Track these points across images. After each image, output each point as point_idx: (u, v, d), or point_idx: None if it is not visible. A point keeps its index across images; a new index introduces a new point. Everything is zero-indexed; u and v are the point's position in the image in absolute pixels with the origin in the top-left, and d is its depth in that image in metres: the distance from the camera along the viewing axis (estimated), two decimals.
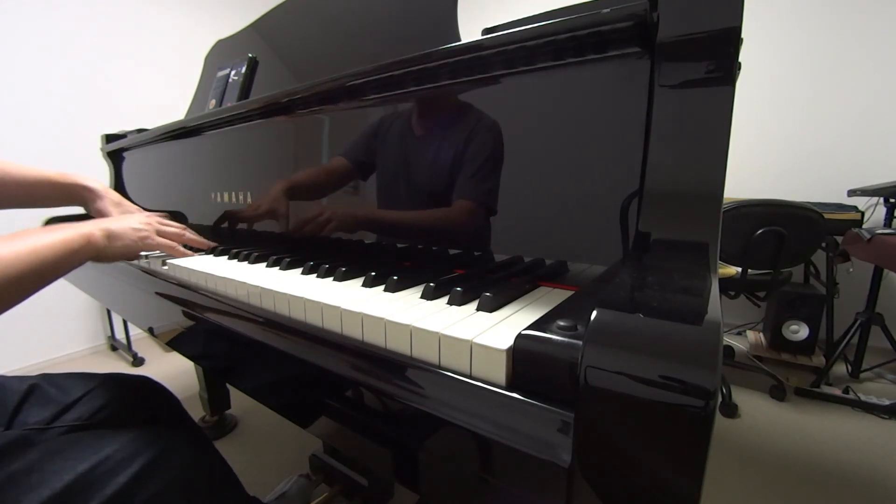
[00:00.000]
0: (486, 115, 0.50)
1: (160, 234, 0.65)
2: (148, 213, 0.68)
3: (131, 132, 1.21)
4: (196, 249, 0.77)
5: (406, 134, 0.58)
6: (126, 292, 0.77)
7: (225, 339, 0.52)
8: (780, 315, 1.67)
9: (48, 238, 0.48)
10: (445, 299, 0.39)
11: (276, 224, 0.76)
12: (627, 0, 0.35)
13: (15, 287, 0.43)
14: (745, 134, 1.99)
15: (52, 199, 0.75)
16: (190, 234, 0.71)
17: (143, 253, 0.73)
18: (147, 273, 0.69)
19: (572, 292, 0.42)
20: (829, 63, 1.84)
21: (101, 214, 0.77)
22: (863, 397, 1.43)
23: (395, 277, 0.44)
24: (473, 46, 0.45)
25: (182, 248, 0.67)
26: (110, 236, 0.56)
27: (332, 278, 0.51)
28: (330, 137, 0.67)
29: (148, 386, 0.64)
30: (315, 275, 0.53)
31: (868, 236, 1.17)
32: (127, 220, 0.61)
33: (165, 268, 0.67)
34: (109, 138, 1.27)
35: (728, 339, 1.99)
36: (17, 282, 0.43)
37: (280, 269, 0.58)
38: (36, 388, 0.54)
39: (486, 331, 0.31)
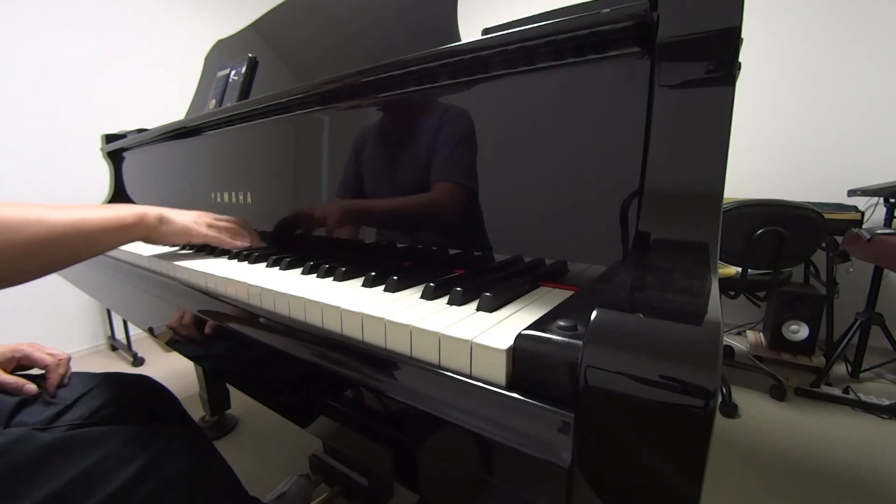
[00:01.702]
0: (468, 108, 0.50)
1: (211, 226, 0.68)
2: (207, 213, 0.71)
3: (131, 132, 1.21)
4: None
5: (399, 140, 0.58)
6: (126, 292, 0.77)
7: (225, 339, 0.52)
8: (780, 315, 1.67)
9: (100, 212, 0.53)
10: (445, 299, 0.39)
11: (271, 225, 0.76)
12: (627, 0, 0.35)
13: (60, 248, 0.48)
14: (745, 134, 1.99)
15: None
16: (241, 229, 0.73)
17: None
18: (148, 273, 0.69)
19: (572, 292, 0.42)
20: (829, 63, 1.84)
21: None
22: (863, 397, 1.43)
23: (395, 277, 0.44)
24: (473, 46, 0.45)
25: (228, 239, 0.68)
26: (161, 219, 0.61)
27: (331, 278, 0.51)
28: (330, 137, 0.67)
29: (147, 385, 0.64)
30: (315, 275, 0.53)
31: (868, 236, 1.17)
32: (183, 213, 0.66)
33: (165, 267, 0.67)
34: (109, 138, 1.27)
35: (728, 339, 1.99)
36: (61, 244, 0.48)
37: (280, 269, 0.58)
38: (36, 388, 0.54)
39: (486, 331, 0.31)
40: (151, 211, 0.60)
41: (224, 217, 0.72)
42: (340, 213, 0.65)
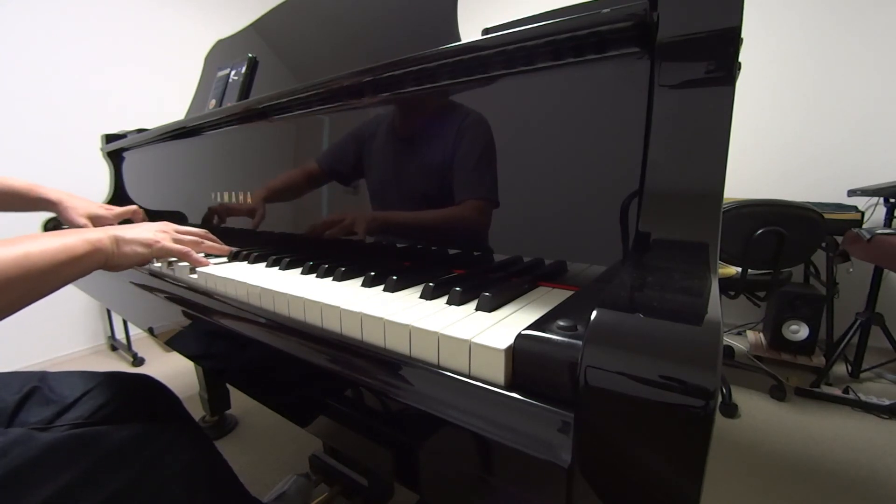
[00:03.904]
0: (473, 113, 0.50)
1: (176, 241, 0.62)
2: (167, 223, 0.66)
3: (131, 132, 1.21)
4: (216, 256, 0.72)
5: (398, 139, 0.58)
6: (126, 292, 0.77)
7: (225, 339, 0.52)
8: (780, 315, 1.67)
9: (47, 243, 0.45)
10: (444, 299, 0.39)
11: (275, 224, 0.76)
12: (627, 0, 0.35)
13: (3, 295, 0.40)
14: (746, 134, 1.99)
15: (21, 208, 0.82)
16: (209, 242, 0.69)
17: (157, 263, 0.70)
18: (147, 273, 0.69)
19: (572, 292, 0.42)
20: (829, 63, 1.84)
21: (72, 225, 0.81)
22: (863, 397, 1.43)
23: (395, 277, 0.44)
24: (473, 46, 0.45)
25: (196, 256, 0.63)
26: (119, 242, 0.54)
27: (331, 278, 0.51)
28: (330, 137, 0.67)
29: (148, 384, 0.64)
30: (314, 275, 0.53)
31: (868, 236, 1.17)
32: (140, 228, 0.60)
33: (167, 268, 0.67)
34: (109, 138, 1.27)
35: (728, 339, 1.99)
36: (5, 288, 0.40)
37: (280, 269, 0.58)
38: (36, 387, 0.54)
39: (485, 330, 0.31)
40: (105, 235, 0.52)
41: (186, 229, 0.67)
42: (365, 221, 0.62)
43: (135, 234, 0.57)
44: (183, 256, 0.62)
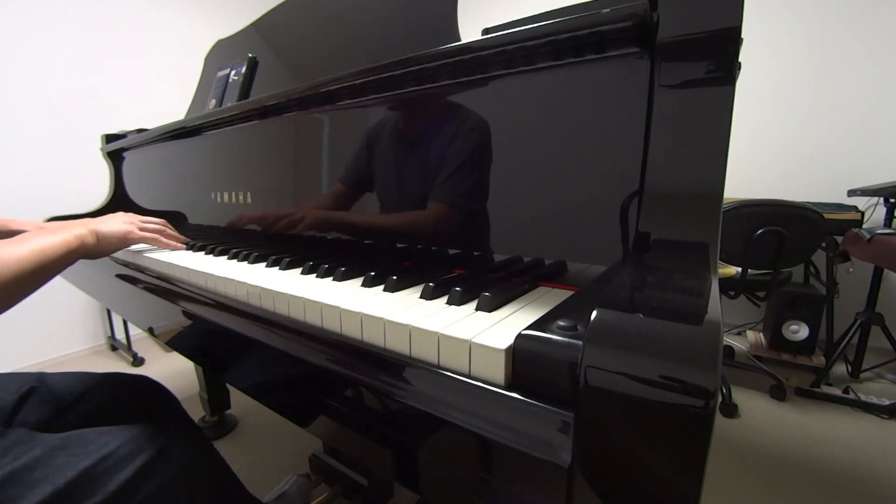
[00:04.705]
0: (471, 116, 0.50)
1: (142, 229, 0.72)
2: (130, 214, 0.75)
3: (131, 132, 1.21)
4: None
5: (398, 139, 0.58)
6: (126, 292, 0.77)
7: (225, 339, 0.52)
8: (780, 315, 1.67)
9: (51, 239, 0.53)
10: (445, 299, 0.39)
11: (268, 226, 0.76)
12: (627, 0, 0.34)
13: (27, 283, 0.48)
14: (745, 134, 1.99)
15: None
16: (169, 230, 0.79)
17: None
18: (147, 272, 0.69)
19: (572, 292, 0.42)
20: (829, 63, 1.84)
21: None
22: (863, 397, 1.43)
23: (395, 277, 0.44)
24: (473, 46, 0.45)
25: (164, 240, 0.74)
26: (99, 236, 0.62)
27: (331, 278, 0.51)
28: (330, 137, 0.67)
29: (146, 385, 0.64)
30: (315, 275, 0.53)
31: (868, 236, 1.17)
32: (111, 221, 0.68)
33: (164, 267, 0.67)
34: (109, 138, 1.27)
35: (728, 339, 1.99)
36: (30, 278, 0.48)
37: (280, 269, 0.58)
38: (34, 387, 0.54)
39: (485, 330, 0.31)
40: (85, 230, 0.60)
41: (149, 218, 0.77)
42: (327, 222, 0.67)
43: (110, 227, 0.65)
44: (153, 242, 0.73)
